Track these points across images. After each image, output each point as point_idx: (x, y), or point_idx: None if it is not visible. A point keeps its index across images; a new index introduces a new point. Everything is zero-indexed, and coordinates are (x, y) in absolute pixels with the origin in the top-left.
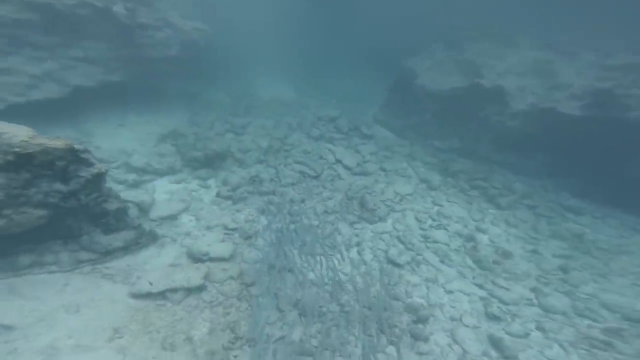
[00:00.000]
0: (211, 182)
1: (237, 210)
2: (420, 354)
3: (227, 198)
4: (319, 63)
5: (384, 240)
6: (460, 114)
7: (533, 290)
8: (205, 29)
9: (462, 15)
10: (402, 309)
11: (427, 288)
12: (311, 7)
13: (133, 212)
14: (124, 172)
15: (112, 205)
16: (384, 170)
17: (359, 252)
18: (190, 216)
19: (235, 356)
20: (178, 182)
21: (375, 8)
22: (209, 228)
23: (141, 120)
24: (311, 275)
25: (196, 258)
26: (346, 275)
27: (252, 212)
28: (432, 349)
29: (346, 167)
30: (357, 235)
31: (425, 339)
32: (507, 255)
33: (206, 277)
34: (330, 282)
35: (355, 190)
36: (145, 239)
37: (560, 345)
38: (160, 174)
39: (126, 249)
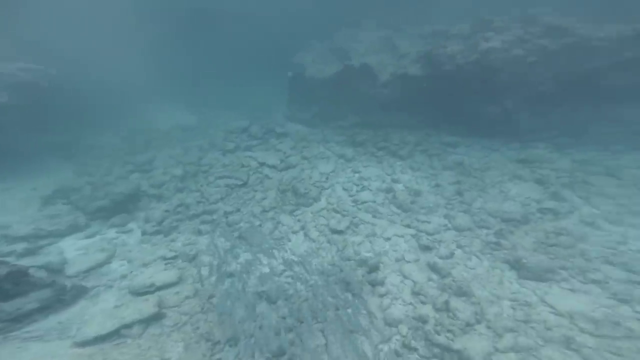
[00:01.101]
0: (131, 225)
1: (172, 240)
2: (382, 295)
3: (156, 233)
4: (211, 80)
5: (323, 216)
6: (348, 94)
7: (445, 216)
8: (39, 68)
9: (326, 8)
10: (355, 265)
11: (370, 242)
12: (183, 25)
13: (40, 273)
14: (5, 244)
15: (1, 270)
16: (305, 158)
17: (305, 234)
18: (120, 261)
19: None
20: (90, 237)
21: (250, 12)
22: (145, 265)
23: (1, 188)
24: (268, 269)
25: (141, 292)
26: (300, 256)
27: (188, 236)
28: (389, 289)
29: (271, 167)
30: (299, 220)
31: (382, 283)
32: (418, 193)
33: (160, 304)
34: (288, 267)
35: (286, 183)
36: (69, 294)
37: (476, 256)
38: (60, 235)
39: (47, 308)
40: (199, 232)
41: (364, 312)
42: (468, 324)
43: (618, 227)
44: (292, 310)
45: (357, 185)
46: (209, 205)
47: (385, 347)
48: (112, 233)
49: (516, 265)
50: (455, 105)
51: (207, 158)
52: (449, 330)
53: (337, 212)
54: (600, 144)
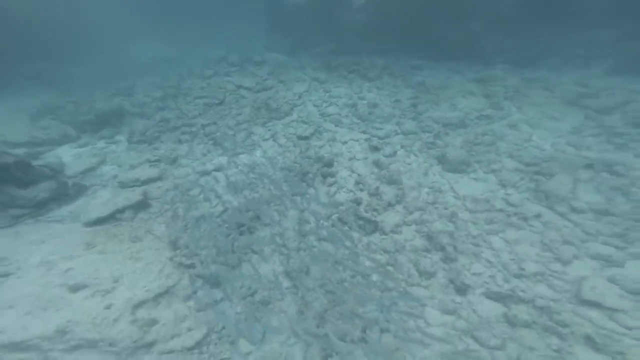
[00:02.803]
0: (119, 137)
1: (155, 148)
2: (330, 185)
3: (141, 142)
4: (191, 14)
5: (292, 127)
6: (323, 21)
7: (397, 124)
8: None
9: None
10: (313, 162)
11: (330, 145)
12: None
13: (43, 168)
14: (6, 149)
15: (8, 159)
16: (282, 82)
17: (274, 140)
18: (110, 165)
19: (192, 227)
20: (82, 146)
21: None
22: (133, 167)
23: None
24: (238, 168)
25: (129, 185)
26: (268, 158)
27: (170, 145)
28: (337, 180)
29: (247, 89)
30: (269, 130)
31: (332, 175)
32: (375, 105)
33: (145, 194)
34: (256, 166)
35: (261, 102)
36: (72, 190)
37: (414, 154)
38: (54, 143)
39: (57, 200)
40: (179, 141)
41: (314, 197)
42: (389, 204)
43: (532, 129)
44: (254, 195)
45: (326, 102)
46: (188, 120)
47: (326, 222)
48: (101, 143)
49: (442, 160)
50: (424, 30)
51: (187, 83)
52: (374, 209)
53: (305, 123)
54: (554, 66)
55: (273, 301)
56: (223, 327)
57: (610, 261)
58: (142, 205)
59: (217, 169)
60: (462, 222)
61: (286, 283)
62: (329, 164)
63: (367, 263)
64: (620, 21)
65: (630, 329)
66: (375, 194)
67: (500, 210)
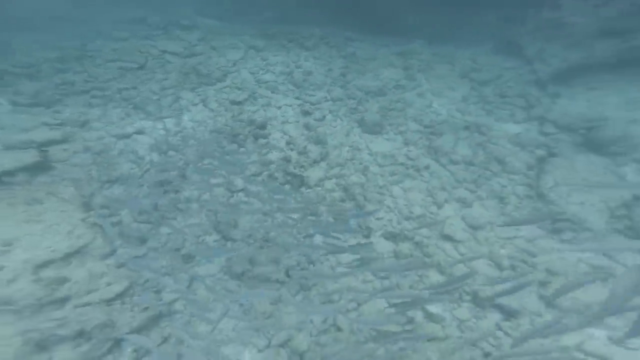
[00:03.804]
0: None
1: (56, 112)
2: (262, 145)
3: (34, 105)
4: None
5: (225, 93)
6: None
7: (327, 91)
8: None
9: None
10: (245, 125)
11: (264, 110)
12: None
13: None
14: None
15: None
16: (214, 48)
17: (205, 105)
18: None
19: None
20: None
21: None
22: (25, 130)
23: None
24: (163, 132)
25: (19, 147)
26: (197, 122)
27: (77, 108)
28: (269, 140)
29: (174, 54)
30: (199, 95)
31: (265, 137)
32: (310, 73)
33: (43, 156)
34: (183, 129)
35: (190, 67)
36: None
37: (340, 118)
38: None
39: None
40: (90, 105)
41: (246, 156)
42: (315, 161)
43: (434, 97)
44: (181, 158)
45: (263, 69)
46: (99, 84)
47: (258, 178)
48: None
49: (362, 123)
50: (358, 4)
51: (94, 44)
52: (301, 166)
53: (239, 89)
54: (458, 43)
55: (200, 253)
56: (147, 280)
57: (465, 203)
58: (40, 167)
59: (139, 132)
60: (372, 175)
61: (214, 236)
62: (262, 127)
63: (293, 215)
64: (504, 5)
65: (462, 254)
66: (303, 152)
67: (402, 164)
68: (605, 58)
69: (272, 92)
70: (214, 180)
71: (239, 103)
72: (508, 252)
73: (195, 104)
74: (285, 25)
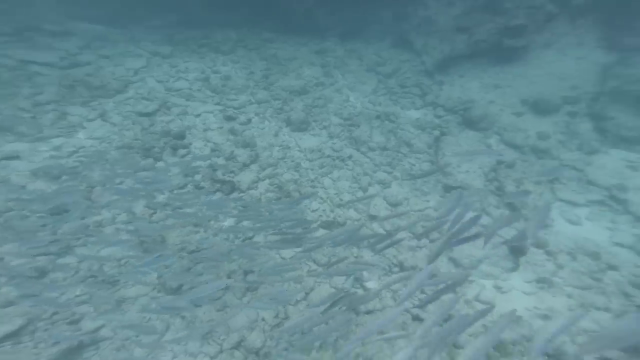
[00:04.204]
0: None
1: None
2: (182, 155)
3: None
4: None
5: (129, 105)
6: None
7: (251, 94)
8: None
9: None
10: (159, 136)
11: (180, 119)
12: None
13: None
14: None
15: None
16: (106, 57)
17: (104, 120)
18: None
19: None
20: None
21: None
22: None
23: None
24: (47, 155)
25: None
26: (97, 138)
27: None
28: (192, 150)
29: (46, 64)
30: (95, 109)
31: (185, 147)
32: (229, 78)
33: None
34: (78, 149)
35: (75, 79)
36: None
37: (267, 119)
38: None
39: None
40: None
41: (165, 169)
42: (245, 165)
43: (350, 92)
44: (82, 180)
45: (174, 77)
46: None
47: (183, 190)
48: None
49: (289, 122)
50: (271, 3)
51: None
52: (230, 171)
53: (146, 99)
54: (365, 39)
55: (124, 275)
56: (55, 313)
57: (384, 184)
58: None
59: (9, 157)
60: (304, 170)
61: (139, 256)
62: (180, 137)
63: (226, 222)
64: (394, 3)
65: (387, 230)
66: (231, 157)
67: (329, 156)
68: (462, 50)
69: (188, 100)
70: (129, 200)
71: (148, 114)
72: (422, 222)
73: (92, 120)
74: (194, 29)
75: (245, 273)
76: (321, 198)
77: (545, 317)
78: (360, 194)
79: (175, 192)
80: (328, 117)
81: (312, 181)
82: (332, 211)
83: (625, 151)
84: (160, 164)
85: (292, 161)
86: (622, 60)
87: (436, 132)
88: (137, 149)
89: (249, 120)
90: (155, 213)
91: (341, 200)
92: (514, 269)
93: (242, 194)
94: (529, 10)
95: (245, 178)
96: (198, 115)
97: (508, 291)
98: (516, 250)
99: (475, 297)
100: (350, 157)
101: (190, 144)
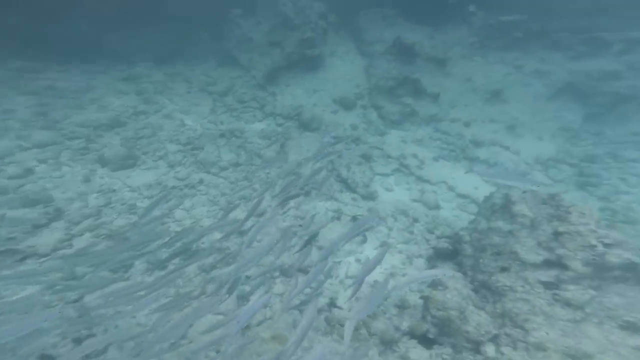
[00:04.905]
0: None
1: None
2: None
3: None
4: None
5: None
6: None
7: (20, 138)
8: None
9: None
10: None
11: None
12: None
13: None
14: None
15: None
16: None
17: None
18: None
19: None
20: None
21: None
22: None
23: None
24: None
25: None
26: None
27: None
28: None
29: None
30: None
31: None
32: None
33: None
34: None
35: None
36: None
37: (65, 165)
38: None
39: None
40: None
41: None
42: (37, 226)
43: (184, 115)
44: None
45: None
46: None
47: None
48: None
49: (104, 161)
50: (40, 28)
51: None
52: (10, 239)
53: None
54: (187, 61)
55: None
56: None
57: (246, 198)
58: None
59: None
60: (143, 210)
61: None
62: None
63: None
64: (210, 23)
65: (258, 240)
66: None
67: (174, 187)
68: (281, 62)
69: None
70: None
71: None
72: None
73: None
74: None
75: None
76: (175, 232)
77: (392, 275)
78: (220, 214)
79: None
80: (162, 145)
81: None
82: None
83: (397, 130)
84: None
85: (123, 204)
86: (371, 62)
87: (281, 139)
88: None
89: (30, 171)
90: None
91: (201, 226)
92: (364, 241)
93: (44, 259)
94: (310, 25)
95: (44, 240)
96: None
97: (365, 261)
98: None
99: (345, 274)
100: (201, 181)
101: None
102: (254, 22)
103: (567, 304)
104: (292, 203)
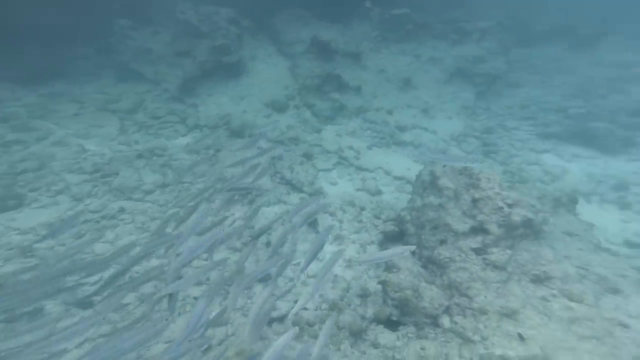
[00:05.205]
0: None
1: None
2: None
3: None
4: None
5: None
6: None
7: None
8: None
9: None
10: None
11: None
12: None
13: None
14: None
15: None
16: None
17: None
18: None
19: None
20: None
21: None
22: None
23: None
24: None
25: None
26: None
27: None
28: None
29: None
30: None
31: None
32: None
33: None
34: None
35: None
36: None
37: None
38: None
39: None
40: None
41: None
42: None
43: (84, 140)
44: None
45: None
46: None
47: None
48: None
49: None
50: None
51: None
52: None
53: None
54: (72, 79)
55: None
56: None
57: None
58: None
59: None
60: (44, 250)
61: None
62: None
63: None
64: (96, 37)
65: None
66: None
67: (87, 220)
68: (195, 72)
69: None
70: None
71: None
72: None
73: None
74: None
75: None
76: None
77: (349, 267)
78: (153, 236)
79: None
80: (59, 177)
81: (66, 256)
82: (122, 274)
83: (331, 125)
84: None
85: (11, 248)
86: (294, 62)
87: (211, 151)
88: None
89: None
90: None
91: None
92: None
93: None
94: (221, 32)
95: None
96: None
97: (323, 258)
98: (312, 224)
99: (307, 273)
100: (122, 210)
101: None
102: (151, 32)
103: (495, 266)
104: (237, 213)
